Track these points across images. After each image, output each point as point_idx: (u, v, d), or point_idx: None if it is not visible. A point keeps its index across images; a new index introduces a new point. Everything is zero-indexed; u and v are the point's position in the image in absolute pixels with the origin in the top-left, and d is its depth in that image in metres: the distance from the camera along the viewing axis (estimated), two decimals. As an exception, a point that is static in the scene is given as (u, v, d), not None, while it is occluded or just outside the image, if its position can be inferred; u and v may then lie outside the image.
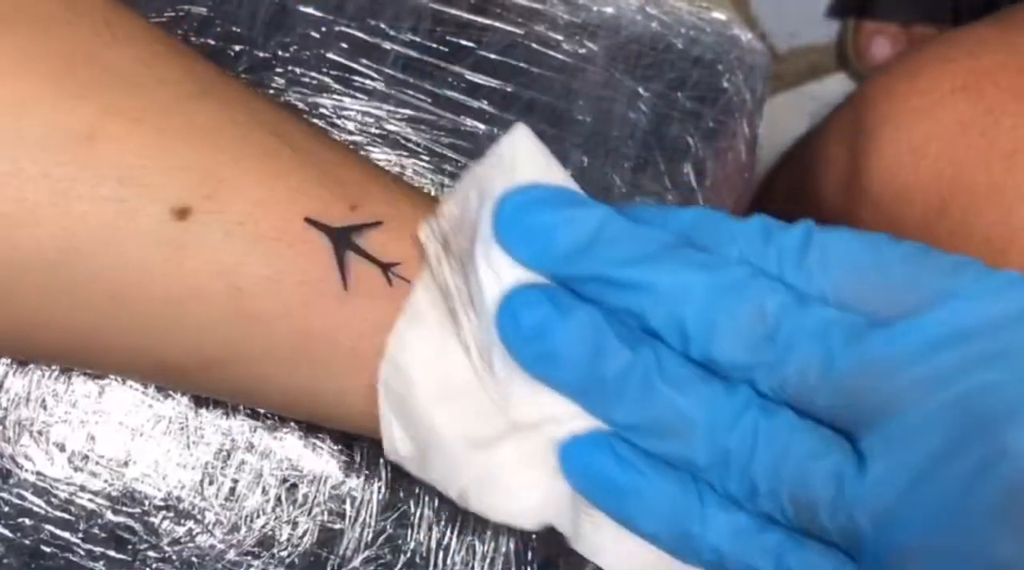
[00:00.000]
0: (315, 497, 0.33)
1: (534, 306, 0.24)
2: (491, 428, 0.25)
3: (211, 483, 0.33)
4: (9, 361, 0.33)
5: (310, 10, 0.36)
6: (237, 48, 0.36)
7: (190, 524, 0.32)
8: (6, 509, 0.32)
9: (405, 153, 0.36)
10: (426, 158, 0.36)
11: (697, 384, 0.23)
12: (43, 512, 0.32)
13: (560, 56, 0.38)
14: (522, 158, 0.25)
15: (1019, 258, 0.37)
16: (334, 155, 0.27)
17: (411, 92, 0.36)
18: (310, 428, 0.33)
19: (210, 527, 0.32)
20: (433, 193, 0.36)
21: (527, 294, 0.24)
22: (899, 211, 0.41)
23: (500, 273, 0.24)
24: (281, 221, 0.25)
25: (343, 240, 0.26)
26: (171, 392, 0.33)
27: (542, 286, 0.24)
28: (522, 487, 0.25)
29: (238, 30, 0.36)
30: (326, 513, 0.33)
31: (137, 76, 0.25)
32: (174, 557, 0.32)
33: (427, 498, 0.33)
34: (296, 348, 0.26)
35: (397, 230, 0.26)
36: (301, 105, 0.36)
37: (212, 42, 0.35)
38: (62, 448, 0.33)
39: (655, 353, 0.24)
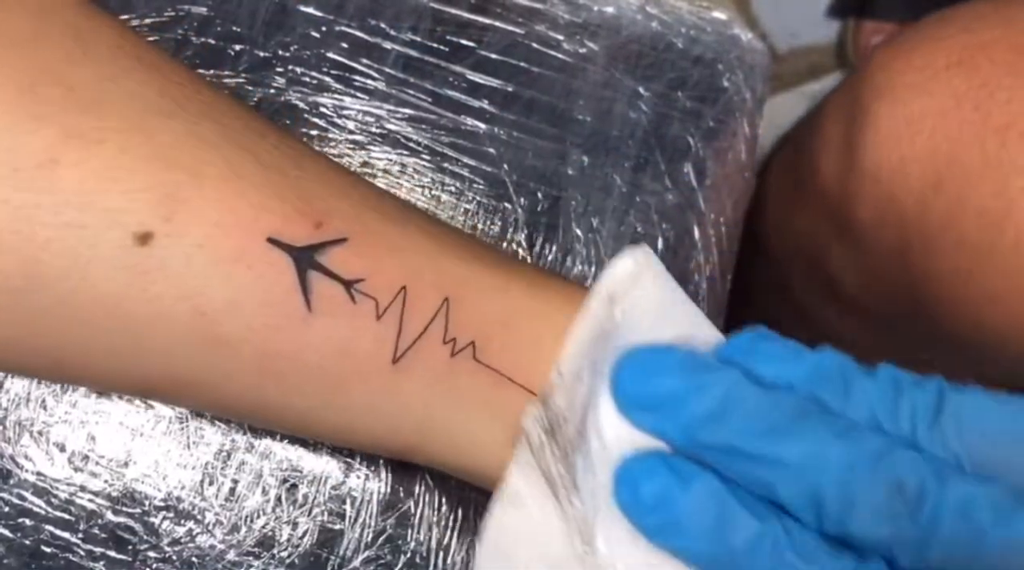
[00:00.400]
0: (315, 497, 0.33)
1: (654, 475, 0.24)
2: None
3: (211, 483, 0.33)
4: (9, 361, 0.33)
5: (310, 10, 0.36)
6: (237, 48, 0.36)
7: (190, 524, 0.32)
8: (6, 509, 0.32)
9: (406, 152, 0.36)
10: (427, 157, 0.36)
11: (829, 557, 0.23)
12: (43, 512, 0.32)
13: (560, 56, 0.38)
14: (641, 307, 0.25)
15: (1015, 231, 0.37)
16: (304, 170, 0.27)
17: (411, 91, 0.36)
18: (310, 428, 0.33)
19: (210, 527, 0.32)
20: (432, 193, 0.36)
21: (646, 463, 0.24)
22: (895, 186, 0.41)
23: (614, 441, 0.24)
24: (242, 242, 0.25)
25: (305, 259, 0.25)
26: (171, 392, 0.33)
27: (660, 454, 0.24)
28: None
29: (238, 30, 0.36)
30: (326, 513, 0.33)
31: (104, 94, 0.25)
32: (174, 557, 0.32)
33: (427, 498, 0.33)
34: (263, 369, 0.26)
35: (362, 246, 0.26)
36: (301, 104, 0.36)
37: (212, 42, 0.35)
38: (62, 448, 0.32)
39: (782, 524, 0.23)
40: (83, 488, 0.32)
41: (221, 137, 0.26)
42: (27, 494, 0.32)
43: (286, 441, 0.33)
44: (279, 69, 0.36)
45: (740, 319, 0.78)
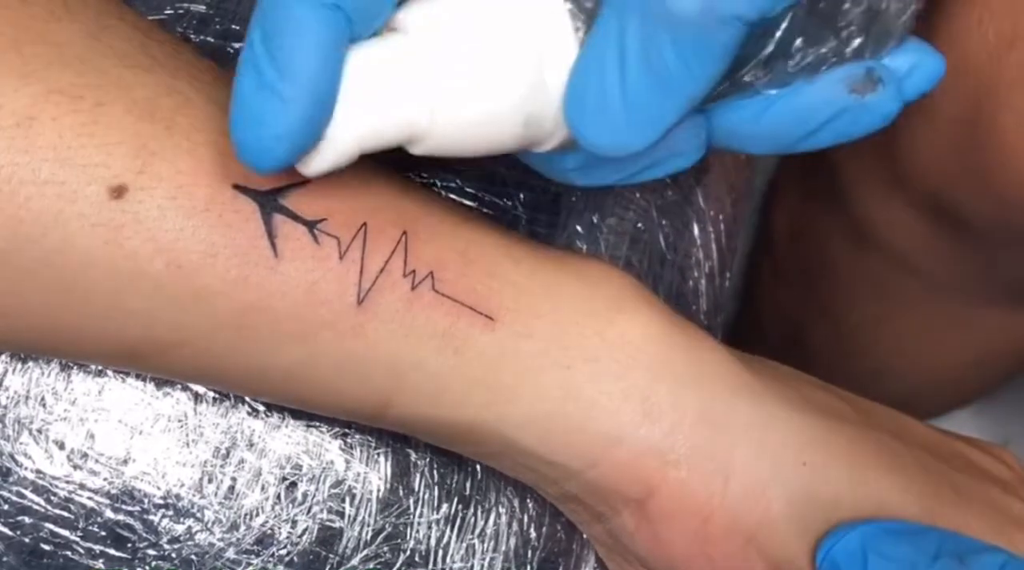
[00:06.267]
0: (314, 495, 0.33)
1: None
2: None
3: (210, 481, 0.33)
4: (8, 359, 0.33)
5: (309, 8, 0.36)
6: (236, 46, 0.36)
7: (189, 522, 0.32)
8: (5, 507, 0.32)
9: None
10: (425, 154, 0.36)
11: None
12: (42, 510, 0.32)
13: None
14: None
15: None
16: None
17: (410, 89, 0.36)
18: (310, 426, 0.33)
19: (209, 525, 0.32)
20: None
21: None
22: (972, 44, 0.39)
23: None
24: (211, 191, 0.25)
25: (269, 203, 0.26)
26: (170, 390, 0.33)
27: None
28: None
29: (237, 28, 0.36)
30: (325, 511, 0.33)
31: (86, 51, 0.25)
32: (173, 555, 0.32)
33: (427, 496, 0.33)
34: (239, 325, 0.26)
35: (324, 186, 0.26)
36: (300, 103, 0.36)
37: (211, 40, 0.35)
38: (61, 446, 0.32)
39: None
40: (82, 486, 0.32)
41: (195, 91, 0.26)
42: (26, 492, 0.32)
43: (286, 439, 0.33)
44: (278, 67, 0.36)
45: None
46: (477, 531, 0.33)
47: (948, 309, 0.54)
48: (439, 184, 0.36)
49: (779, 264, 0.66)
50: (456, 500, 0.33)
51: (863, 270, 0.55)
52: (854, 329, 0.59)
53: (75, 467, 0.32)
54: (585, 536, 0.34)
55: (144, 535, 0.32)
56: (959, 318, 0.54)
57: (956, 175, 0.43)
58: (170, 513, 0.32)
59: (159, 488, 0.32)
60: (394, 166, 0.29)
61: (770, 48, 0.24)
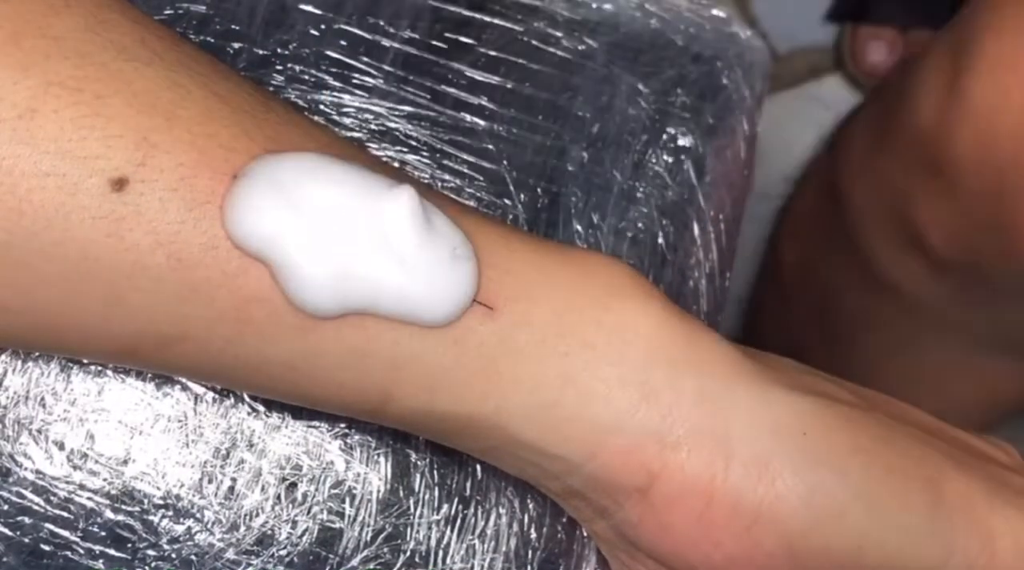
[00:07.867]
0: (314, 496, 0.33)
1: None
2: None
3: (210, 482, 0.33)
4: (8, 359, 0.33)
5: (309, 8, 0.37)
6: (236, 46, 0.36)
7: (189, 522, 0.32)
8: (5, 507, 0.32)
9: (405, 149, 0.36)
10: (426, 154, 0.36)
11: None
12: (42, 510, 0.32)
13: (560, 52, 0.38)
14: None
15: None
16: (274, 113, 0.27)
17: (411, 89, 0.36)
18: (310, 427, 0.33)
19: (209, 526, 0.32)
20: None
21: None
22: (997, 122, 0.39)
23: None
24: (212, 182, 0.25)
25: None
26: (170, 390, 0.33)
27: None
28: None
29: (237, 28, 0.36)
30: (325, 512, 0.33)
31: (85, 44, 0.25)
32: (173, 555, 0.32)
33: (427, 497, 0.33)
34: (239, 318, 0.26)
35: None
36: (301, 102, 0.36)
37: (211, 40, 0.36)
38: (61, 446, 0.32)
39: None
40: (82, 486, 0.32)
41: (195, 83, 0.26)
42: (26, 492, 0.32)
43: (286, 439, 0.33)
44: (278, 67, 0.36)
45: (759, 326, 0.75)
46: (477, 532, 0.33)
47: (955, 354, 0.53)
48: (440, 184, 0.36)
49: (785, 290, 0.66)
50: (456, 500, 0.33)
51: (870, 308, 0.55)
52: (857, 361, 0.59)
53: (75, 467, 0.32)
54: (586, 535, 0.34)
55: (144, 535, 0.32)
56: (966, 363, 0.53)
57: (978, 244, 0.42)
58: (170, 513, 0.32)
59: (159, 488, 0.32)
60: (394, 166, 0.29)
61: None
